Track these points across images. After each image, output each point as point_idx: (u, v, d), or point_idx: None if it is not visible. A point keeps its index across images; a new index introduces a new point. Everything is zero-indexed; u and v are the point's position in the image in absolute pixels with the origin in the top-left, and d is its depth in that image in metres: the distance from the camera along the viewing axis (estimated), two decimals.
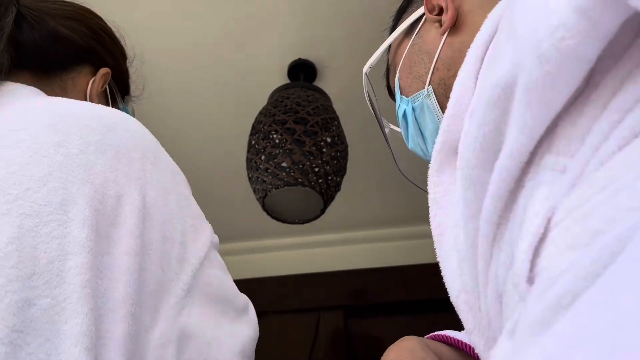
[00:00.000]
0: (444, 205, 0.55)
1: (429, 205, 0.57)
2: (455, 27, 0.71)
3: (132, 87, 0.88)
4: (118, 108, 0.83)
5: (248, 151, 1.51)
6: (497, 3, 0.56)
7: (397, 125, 0.85)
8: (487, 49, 0.52)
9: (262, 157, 1.43)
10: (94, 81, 0.77)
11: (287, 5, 1.52)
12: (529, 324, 0.32)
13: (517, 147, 0.38)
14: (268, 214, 1.54)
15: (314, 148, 1.42)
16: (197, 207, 0.61)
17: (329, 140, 1.45)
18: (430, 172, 0.58)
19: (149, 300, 0.51)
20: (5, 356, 0.40)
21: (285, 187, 1.40)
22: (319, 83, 1.69)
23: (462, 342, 0.65)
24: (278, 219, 1.58)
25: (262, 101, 1.64)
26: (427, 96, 0.73)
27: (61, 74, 0.73)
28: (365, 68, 0.86)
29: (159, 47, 1.60)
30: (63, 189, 0.49)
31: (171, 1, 1.51)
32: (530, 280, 0.35)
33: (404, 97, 0.78)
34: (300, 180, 1.39)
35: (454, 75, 0.56)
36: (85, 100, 0.76)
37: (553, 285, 0.31)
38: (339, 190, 1.53)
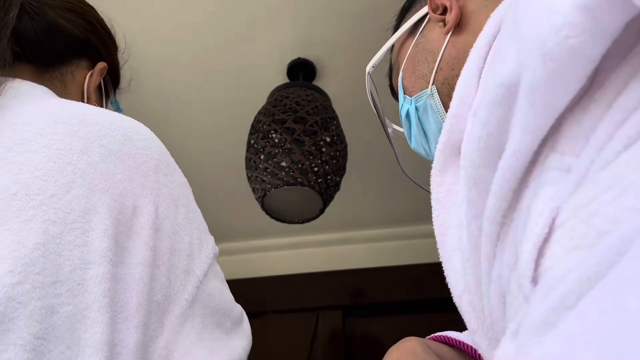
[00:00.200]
0: (447, 205, 0.54)
1: (432, 205, 0.56)
2: (459, 26, 0.71)
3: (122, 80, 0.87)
4: (109, 101, 0.83)
5: (247, 150, 1.51)
6: (501, 2, 0.55)
7: (400, 125, 0.85)
8: (490, 48, 0.52)
9: (262, 157, 1.43)
10: (91, 75, 0.77)
11: (287, 5, 1.52)
12: (532, 325, 0.32)
13: (521, 146, 0.37)
14: (267, 213, 1.54)
15: (313, 148, 1.42)
16: (202, 218, 0.61)
17: (328, 139, 1.45)
18: (432, 172, 0.57)
19: (155, 310, 0.51)
20: None
21: (285, 186, 1.40)
22: (319, 82, 1.69)
23: (463, 343, 0.65)
24: (277, 219, 1.57)
25: (261, 100, 1.64)
26: (430, 96, 0.73)
27: (60, 67, 0.73)
28: (368, 67, 0.86)
29: (157, 45, 1.60)
30: (86, 198, 0.49)
31: None
32: (535, 280, 0.35)
33: (407, 96, 0.78)
34: (299, 179, 1.39)
35: (458, 75, 0.56)
36: (83, 95, 0.76)
37: (557, 285, 0.31)
38: (338, 189, 1.53)
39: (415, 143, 0.80)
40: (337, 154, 1.47)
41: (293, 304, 2.14)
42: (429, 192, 0.58)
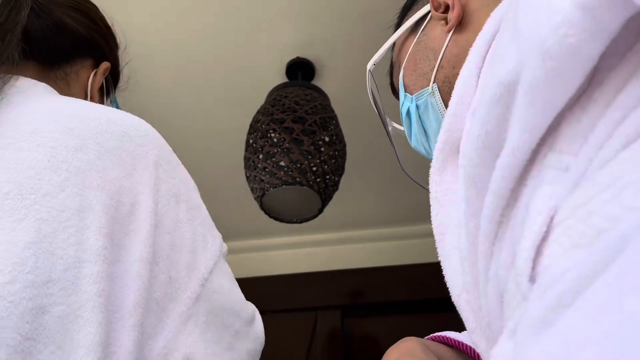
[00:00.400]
0: (446, 204, 0.54)
1: (431, 204, 0.56)
2: (461, 25, 0.71)
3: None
4: (109, 100, 0.83)
5: (246, 150, 1.51)
6: (502, 1, 0.55)
7: (400, 124, 0.85)
8: (489, 47, 0.52)
9: (260, 156, 1.43)
10: (95, 75, 0.77)
11: (286, 5, 1.52)
12: (530, 323, 0.32)
13: (519, 144, 0.37)
14: (266, 213, 1.54)
15: (312, 147, 1.42)
16: (208, 215, 0.60)
17: (327, 139, 1.45)
18: (431, 171, 0.57)
19: (154, 308, 0.50)
20: None
21: (283, 186, 1.40)
22: (317, 82, 1.69)
23: (462, 343, 0.65)
24: (276, 218, 1.57)
25: (260, 100, 1.64)
26: (431, 94, 0.73)
27: (65, 66, 0.72)
28: (369, 65, 0.86)
29: (156, 44, 1.60)
30: (80, 195, 0.48)
31: None
32: (532, 279, 0.35)
33: (408, 94, 0.78)
34: (298, 179, 1.39)
35: (459, 74, 0.56)
36: (86, 94, 0.76)
37: (555, 284, 0.31)
38: (336, 189, 1.53)
39: (416, 141, 0.80)
40: (336, 153, 1.47)
41: (291, 304, 2.14)
42: (428, 190, 0.58)
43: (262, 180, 1.42)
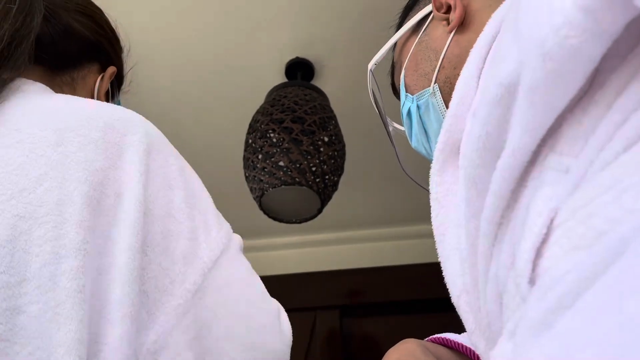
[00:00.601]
0: (446, 204, 0.54)
1: (431, 205, 0.56)
2: (462, 25, 0.71)
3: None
4: (114, 103, 0.83)
5: (245, 150, 1.51)
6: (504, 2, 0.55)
7: (401, 124, 0.85)
8: (490, 48, 0.52)
9: (259, 156, 1.43)
10: (102, 79, 0.76)
11: (286, 4, 1.52)
12: (530, 325, 0.32)
13: (519, 146, 0.37)
14: (265, 213, 1.54)
15: (311, 147, 1.42)
16: (212, 205, 0.58)
17: (326, 139, 1.45)
18: (432, 172, 0.57)
19: (145, 301, 0.48)
20: None
21: (283, 186, 1.40)
22: (317, 82, 1.69)
23: (462, 345, 0.65)
24: (275, 218, 1.57)
25: (259, 100, 1.64)
26: (432, 94, 0.73)
27: (72, 71, 0.72)
28: (371, 65, 0.86)
29: (156, 44, 1.60)
30: (59, 189, 0.47)
31: None
32: (532, 281, 0.35)
33: (409, 94, 0.78)
34: (297, 179, 1.39)
35: (460, 74, 0.56)
36: (93, 99, 0.75)
37: (555, 285, 0.31)
38: (336, 189, 1.53)
39: (416, 141, 0.80)
40: (335, 153, 1.47)
41: (290, 304, 2.13)
42: (428, 191, 0.58)
43: (262, 181, 1.42)
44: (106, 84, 0.77)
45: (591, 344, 0.25)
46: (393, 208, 2.15)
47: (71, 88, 0.72)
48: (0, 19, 0.56)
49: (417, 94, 0.76)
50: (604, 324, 0.25)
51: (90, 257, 0.46)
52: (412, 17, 0.81)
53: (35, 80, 0.63)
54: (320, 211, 1.55)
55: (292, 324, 0.64)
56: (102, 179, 0.49)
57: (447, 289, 0.54)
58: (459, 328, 0.61)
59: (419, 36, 0.78)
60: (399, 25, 0.85)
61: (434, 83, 0.73)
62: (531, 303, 0.33)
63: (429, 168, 0.58)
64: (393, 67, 0.88)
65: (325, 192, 1.47)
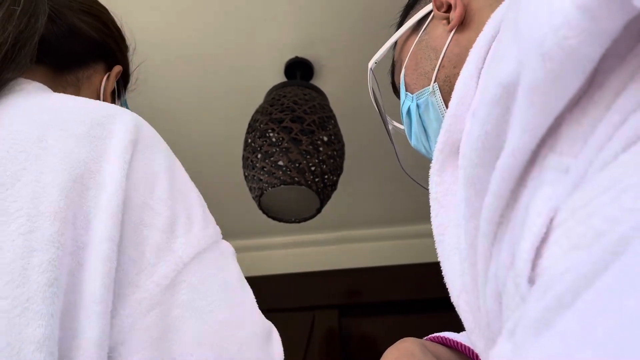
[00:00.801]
0: (446, 204, 0.54)
1: (431, 204, 0.56)
2: (463, 24, 0.71)
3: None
4: (120, 102, 0.82)
5: (244, 149, 1.51)
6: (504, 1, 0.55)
7: (401, 123, 0.85)
8: (489, 48, 0.52)
9: (259, 156, 1.43)
10: (107, 79, 0.76)
11: (285, 4, 1.52)
12: (529, 324, 0.32)
13: (519, 145, 0.37)
14: (264, 212, 1.54)
15: (310, 147, 1.42)
16: (202, 205, 0.55)
17: (325, 139, 1.45)
18: (431, 172, 0.57)
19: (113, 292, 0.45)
20: None
21: (282, 185, 1.40)
22: (316, 82, 1.69)
23: (461, 344, 0.65)
24: (274, 218, 1.57)
25: (258, 99, 1.64)
26: (432, 93, 0.73)
27: (77, 71, 0.72)
28: (371, 63, 0.86)
29: (155, 43, 1.60)
30: (35, 182, 0.45)
31: None
32: (531, 280, 0.35)
33: (408, 93, 0.78)
34: (296, 179, 1.39)
35: (460, 74, 0.56)
36: (99, 98, 0.75)
37: (554, 285, 0.31)
38: (335, 189, 1.53)
39: (416, 140, 0.80)
40: (335, 153, 1.47)
41: (289, 303, 2.14)
42: (427, 190, 0.58)
43: (261, 180, 1.42)
44: (112, 83, 0.77)
45: (591, 343, 0.25)
46: (392, 208, 2.15)
47: (76, 88, 0.72)
48: (4, 21, 0.56)
49: (416, 93, 0.76)
50: (604, 323, 0.25)
51: (67, 250, 0.44)
52: (412, 15, 0.81)
53: (39, 80, 0.62)
54: (319, 211, 1.55)
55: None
56: (84, 171, 0.48)
57: (447, 289, 0.54)
58: (458, 328, 0.61)
59: (419, 35, 0.78)
60: (400, 24, 0.85)
61: (434, 82, 0.73)
62: (530, 302, 0.33)
63: (429, 167, 0.58)
64: (393, 66, 0.88)
65: (324, 191, 1.47)
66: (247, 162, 1.47)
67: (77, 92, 0.72)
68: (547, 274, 0.33)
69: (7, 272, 0.42)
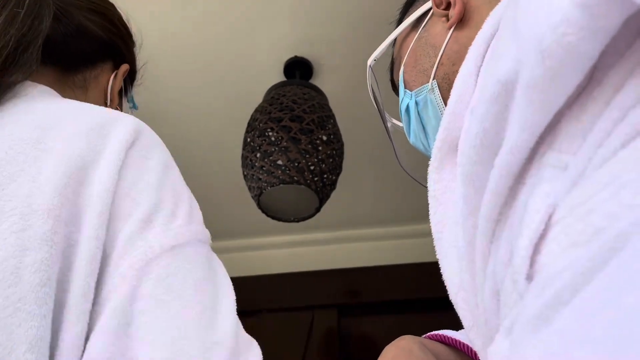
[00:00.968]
0: (444, 202, 0.54)
1: (429, 202, 0.56)
2: (462, 22, 0.71)
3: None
4: (127, 99, 0.82)
5: (243, 149, 1.51)
6: None
7: (399, 120, 0.85)
8: (488, 46, 0.52)
9: (258, 155, 1.43)
10: (115, 77, 0.75)
11: (284, 3, 1.52)
12: (527, 321, 0.32)
13: (517, 143, 0.37)
14: (263, 211, 1.54)
15: (309, 146, 1.41)
16: (190, 203, 0.53)
17: (324, 138, 1.45)
18: (430, 169, 0.57)
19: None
20: None
21: (281, 185, 1.40)
22: (315, 81, 1.69)
23: (459, 342, 0.65)
24: (273, 217, 1.57)
25: (258, 99, 1.64)
26: (430, 90, 0.73)
27: (84, 71, 0.71)
28: (370, 60, 0.86)
29: (154, 43, 1.59)
30: (32, 182, 0.45)
31: None
32: (529, 277, 0.35)
33: (407, 90, 0.78)
34: (295, 178, 1.39)
35: (459, 71, 0.56)
36: (106, 97, 0.74)
37: (552, 281, 0.31)
38: (334, 188, 1.53)
39: (414, 138, 0.80)
40: (334, 152, 1.47)
41: (288, 303, 2.14)
42: (426, 187, 0.58)
43: (260, 179, 1.42)
44: (119, 82, 0.76)
45: (589, 339, 0.25)
46: (392, 207, 2.15)
47: (83, 90, 0.71)
48: (6, 24, 0.55)
49: (415, 90, 0.76)
50: (602, 319, 0.25)
51: (59, 248, 0.44)
52: (412, 13, 0.81)
53: (46, 81, 0.62)
54: (318, 210, 1.55)
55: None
56: (80, 167, 0.47)
57: (446, 288, 0.54)
58: (458, 327, 0.61)
59: (418, 32, 0.78)
60: (399, 21, 0.86)
61: (433, 79, 0.73)
62: (528, 299, 0.33)
63: (428, 165, 0.58)
64: (392, 63, 0.89)
65: (323, 191, 1.47)
66: (246, 162, 1.47)
67: (84, 92, 0.71)
68: (545, 271, 0.33)
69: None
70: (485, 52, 0.52)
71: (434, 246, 0.56)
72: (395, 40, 0.85)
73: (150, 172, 0.50)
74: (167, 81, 1.70)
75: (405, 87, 0.79)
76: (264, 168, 1.41)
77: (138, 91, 0.92)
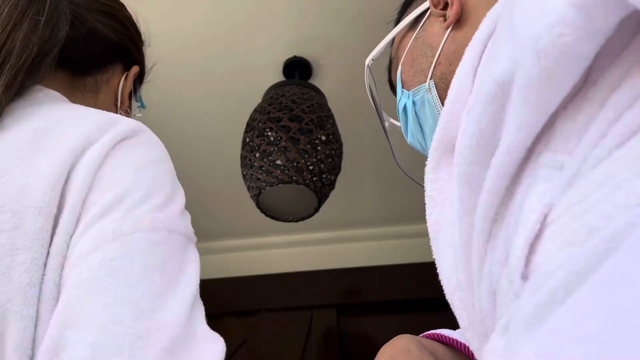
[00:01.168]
0: (441, 202, 0.55)
1: (426, 202, 0.56)
2: (459, 22, 0.71)
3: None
4: (135, 99, 0.82)
5: (242, 148, 1.51)
6: None
7: (397, 120, 0.85)
8: (485, 46, 0.52)
9: (257, 155, 1.43)
10: (125, 79, 0.75)
11: (283, 3, 1.52)
12: (522, 320, 0.32)
13: (514, 143, 0.38)
14: (262, 211, 1.54)
15: (308, 146, 1.42)
16: (170, 195, 0.51)
17: (323, 138, 1.45)
18: (427, 169, 0.57)
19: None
20: None
21: (280, 184, 1.40)
22: (314, 81, 1.69)
23: (457, 341, 0.65)
24: (272, 217, 1.57)
25: (257, 98, 1.64)
26: (428, 90, 0.73)
27: (96, 74, 0.71)
28: (368, 60, 0.86)
29: (153, 43, 1.59)
30: (24, 177, 0.44)
31: None
32: (525, 276, 0.35)
33: (405, 90, 0.78)
34: (294, 178, 1.39)
35: (456, 71, 0.56)
36: (117, 99, 0.74)
37: (547, 281, 0.31)
38: (333, 188, 1.53)
39: (412, 137, 0.81)
40: (333, 152, 1.47)
41: (287, 303, 2.14)
42: (423, 187, 0.58)
43: (259, 179, 1.42)
44: (130, 84, 0.76)
45: (583, 339, 0.25)
46: (390, 207, 2.15)
47: (94, 93, 0.71)
48: (29, 32, 0.55)
49: (413, 90, 0.76)
50: (596, 318, 0.25)
51: (48, 248, 0.43)
52: (409, 13, 0.81)
53: (56, 86, 0.61)
54: (317, 210, 1.55)
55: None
56: (73, 163, 0.47)
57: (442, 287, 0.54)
58: (456, 327, 0.61)
59: (416, 32, 0.78)
60: (397, 21, 0.86)
61: (430, 79, 0.73)
62: (524, 298, 0.33)
63: (425, 165, 0.58)
64: (390, 63, 0.89)
65: (322, 190, 1.47)
66: (245, 161, 1.47)
67: (95, 96, 0.71)
68: (540, 270, 0.33)
69: None
70: (482, 53, 0.52)
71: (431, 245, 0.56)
72: (393, 40, 0.85)
73: (131, 164, 0.49)
74: (166, 81, 1.70)
75: (402, 87, 0.79)
76: (263, 168, 1.41)
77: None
